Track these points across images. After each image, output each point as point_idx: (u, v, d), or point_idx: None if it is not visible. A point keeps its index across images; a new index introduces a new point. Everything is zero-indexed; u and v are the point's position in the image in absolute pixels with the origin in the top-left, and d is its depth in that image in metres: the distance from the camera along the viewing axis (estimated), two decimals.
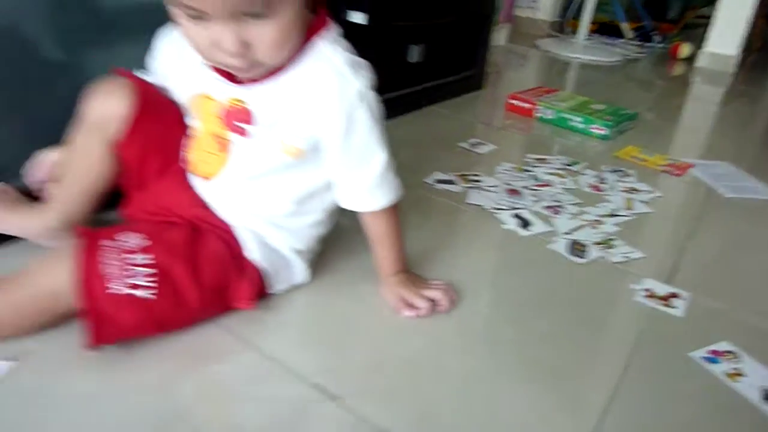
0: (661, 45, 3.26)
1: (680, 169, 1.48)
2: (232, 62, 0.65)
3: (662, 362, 0.81)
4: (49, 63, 0.91)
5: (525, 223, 1.11)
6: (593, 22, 2.96)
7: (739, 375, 0.79)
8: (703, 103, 2.37)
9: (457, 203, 1.18)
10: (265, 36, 0.63)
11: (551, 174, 1.35)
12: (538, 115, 1.75)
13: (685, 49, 2.99)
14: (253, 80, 0.71)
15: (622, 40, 3.22)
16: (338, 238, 0.92)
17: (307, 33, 0.69)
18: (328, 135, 0.73)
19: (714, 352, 0.83)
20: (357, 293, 0.87)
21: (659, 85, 2.60)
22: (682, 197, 1.37)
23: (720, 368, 0.80)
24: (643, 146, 1.61)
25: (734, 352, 0.83)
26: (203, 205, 0.79)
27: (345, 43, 0.74)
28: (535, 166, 1.39)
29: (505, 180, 1.29)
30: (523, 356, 0.79)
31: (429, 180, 1.25)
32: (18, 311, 0.68)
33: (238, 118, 0.74)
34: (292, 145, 0.74)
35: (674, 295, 0.95)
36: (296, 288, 0.85)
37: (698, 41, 2.93)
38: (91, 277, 0.65)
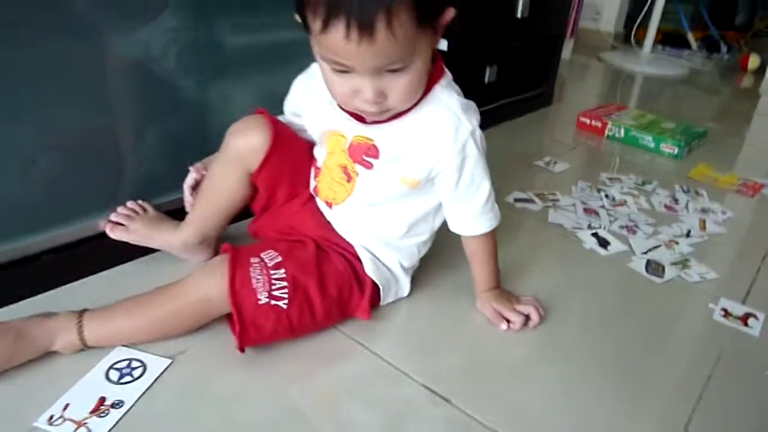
0: (728, 55, 3.23)
1: (752, 189, 1.52)
2: (367, 108, 0.75)
3: (741, 378, 0.87)
4: (189, 98, 1.05)
5: (604, 243, 1.19)
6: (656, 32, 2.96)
7: None
8: None
9: (537, 222, 1.26)
10: (400, 87, 0.73)
11: (625, 193, 1.42)
12: (609, 133, 1.81)
13: (754, 61, 2.96)
14: (380, 121, 0.81)
15: (688, 51, 3.20)
16: (436, 255, 1.02)
17: (428, 80, 0.79)
18: (443, 169, 0.83)
19: None
20: (455, 306, 0.96)
21: (727, 99, 2.60)
22: (754, 218, 1.41)
23: None
24: (713, 164, 1.64)
25: None
26: (327, 227, 0.90)
27: (457, 87, 0.84)
28: (609, 186, 1.45)
29: (582, 199, 1.36)
30: (609, 368, 0.87)
31: (509, 199, 1.34)
32: (181, 315, 0.81)
33: (365, 152, 0.84)
34: (410, 176, 0.84)
35: (750, 315, 1.00)
36: (401, 300, 0.95)
37: None
38: (244, 289, 0.77)
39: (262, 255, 0.81)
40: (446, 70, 0.83)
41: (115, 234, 0.96)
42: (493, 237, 0.92)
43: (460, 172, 0.83)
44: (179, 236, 0.96)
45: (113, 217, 0.98)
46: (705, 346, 0.94)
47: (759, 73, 2.91)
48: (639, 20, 3.01)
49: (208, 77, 1.06)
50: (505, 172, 1.47)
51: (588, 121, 1.85)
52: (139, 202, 1.01)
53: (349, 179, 0.87)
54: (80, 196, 0.97)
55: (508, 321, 0.91)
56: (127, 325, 0.81)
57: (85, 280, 0.96)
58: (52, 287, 0.93)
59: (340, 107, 0.82)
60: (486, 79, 1.74)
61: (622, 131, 1.78)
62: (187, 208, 0.98)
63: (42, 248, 0.93)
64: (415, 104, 0.80)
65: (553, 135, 1.86)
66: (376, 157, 0.84)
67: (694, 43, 3.24)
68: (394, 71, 0.71)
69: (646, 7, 2.83)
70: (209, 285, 0.79)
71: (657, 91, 2.57)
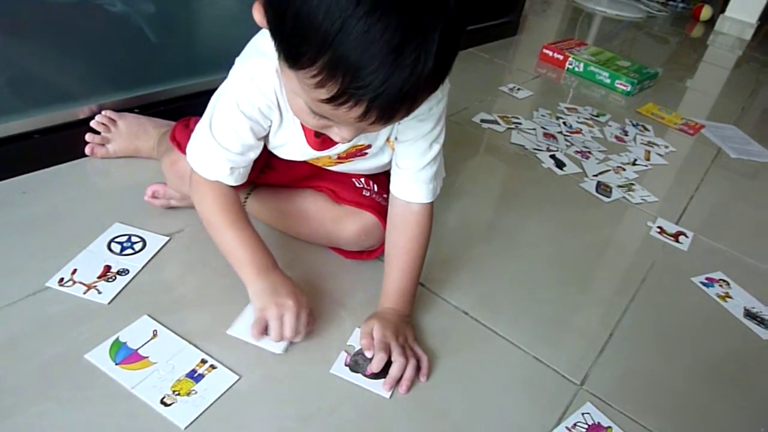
0: (683, 5, 3.35)
1: (693, 129, 1.65)
2: (339, 142, 0.64)
3: (669, 282, 1.02)
4: None
5: (560, 164, 1.29)
6: None
7: (728, 297, 1.00)
8: (716, 66, 2.52)
9: (501, 141, 1.35)
10: (384, 126, 0.60)
11: (581, 123, 1.52)
12: (569, 66, 1.90)
13: (706, 12, 3.09)
14: None
15: None
16: None
17: None
18: (420, 138, 0.76)
19: (710, 278, 1.03)
20: None
21: (677, 45, 2.73)
22: (693, 154, 1.55)
23: (714, 291, 1.00)
24: (661, 104, 1.77)
25: (726, 280, 1.03)
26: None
27: None
28: (567, 115, 1.55)
29: (542, 124, 1.46)
30: (562, 265, 0.99)
31: (476, 119, 1.42)
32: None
33: (358, 151, 0.80)
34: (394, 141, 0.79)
35: (681, 233, 1.14)
36: None
37: (720, 4, 3.03)
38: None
39: (357, 182, 0.88)
40: None
41: (97, 156, 0.99)
42: (427, 240, 0.81)
43: (432, 143, 0.77)
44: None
45: (88, 137, 0.98)
46: (642, 255, 1.08)
47: (710, 24, 3.05)
48: None
49: None
50: (472, 94, 1.54)
51: (551, 54, 1.93)
52: (107, 114, 0.99)
53: (338, 163, 0.84)
54: (68, 81, 0.98)
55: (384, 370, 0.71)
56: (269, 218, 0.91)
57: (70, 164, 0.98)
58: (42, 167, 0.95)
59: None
60: None
61: (582, 66, 1.88)
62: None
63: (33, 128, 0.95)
64: None
65: (517, 64, 1.93)
66: (369, 147, 0.80)
67: None
68: None
69: None
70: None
71: (614, 32, 2.67)
